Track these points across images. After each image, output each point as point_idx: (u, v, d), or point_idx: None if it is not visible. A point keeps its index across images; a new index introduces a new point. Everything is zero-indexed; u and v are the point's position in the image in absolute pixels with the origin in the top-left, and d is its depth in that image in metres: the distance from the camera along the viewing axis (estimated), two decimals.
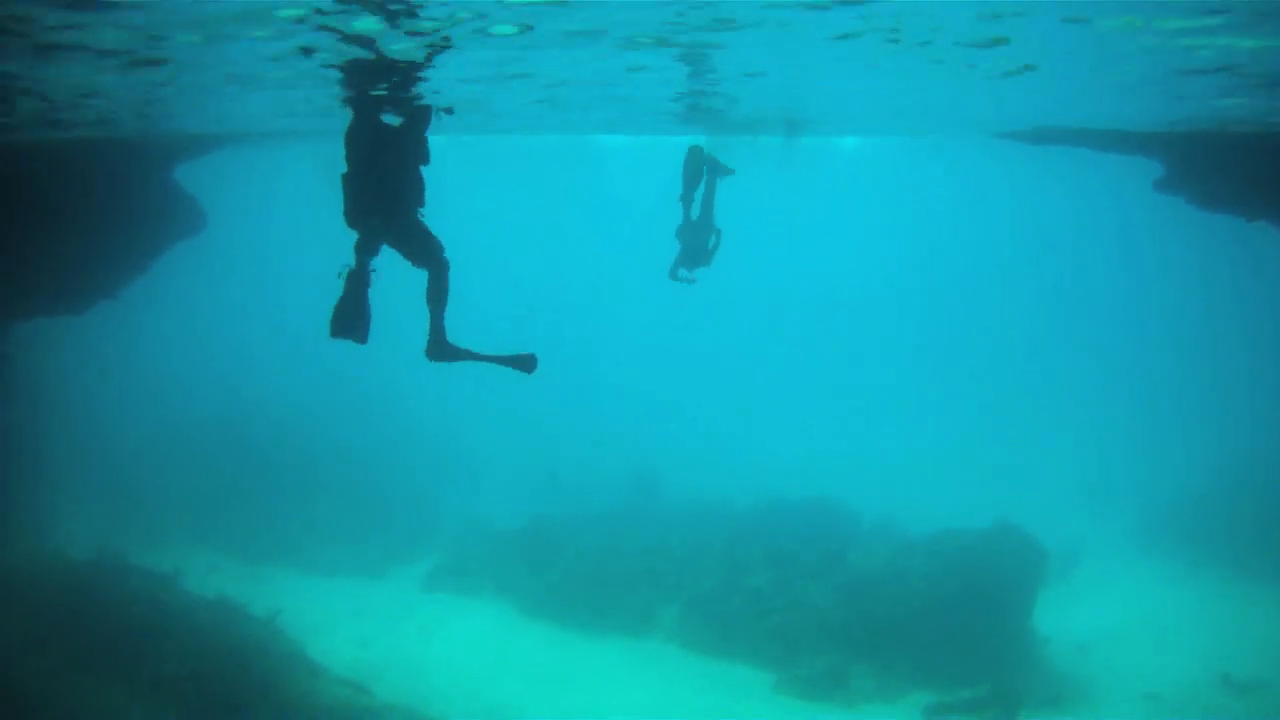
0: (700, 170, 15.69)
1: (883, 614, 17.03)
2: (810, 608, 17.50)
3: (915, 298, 54.19)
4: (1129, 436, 31.18)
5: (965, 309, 52.07)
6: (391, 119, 9.87)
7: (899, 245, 57.34)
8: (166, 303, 31.01)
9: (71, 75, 10.09)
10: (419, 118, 9.52)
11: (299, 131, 16.92)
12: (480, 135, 22.61)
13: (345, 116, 9.83)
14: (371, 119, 9.83)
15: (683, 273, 15.77)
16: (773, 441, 30.44)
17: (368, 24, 8.07)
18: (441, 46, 9.09)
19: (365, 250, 8.98)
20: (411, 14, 7.79)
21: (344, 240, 9.08)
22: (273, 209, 45.50)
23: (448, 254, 9.19)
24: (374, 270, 8.98)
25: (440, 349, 9.20)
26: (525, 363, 9.42)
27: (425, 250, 9.11)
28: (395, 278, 9.20)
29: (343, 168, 9.02)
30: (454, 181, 10.29)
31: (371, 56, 9.32)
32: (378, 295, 9.04)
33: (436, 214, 9.22)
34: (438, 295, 9.15)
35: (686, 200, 15.98)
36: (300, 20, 7.95)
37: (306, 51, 9.24)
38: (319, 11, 7.65)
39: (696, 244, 16.17)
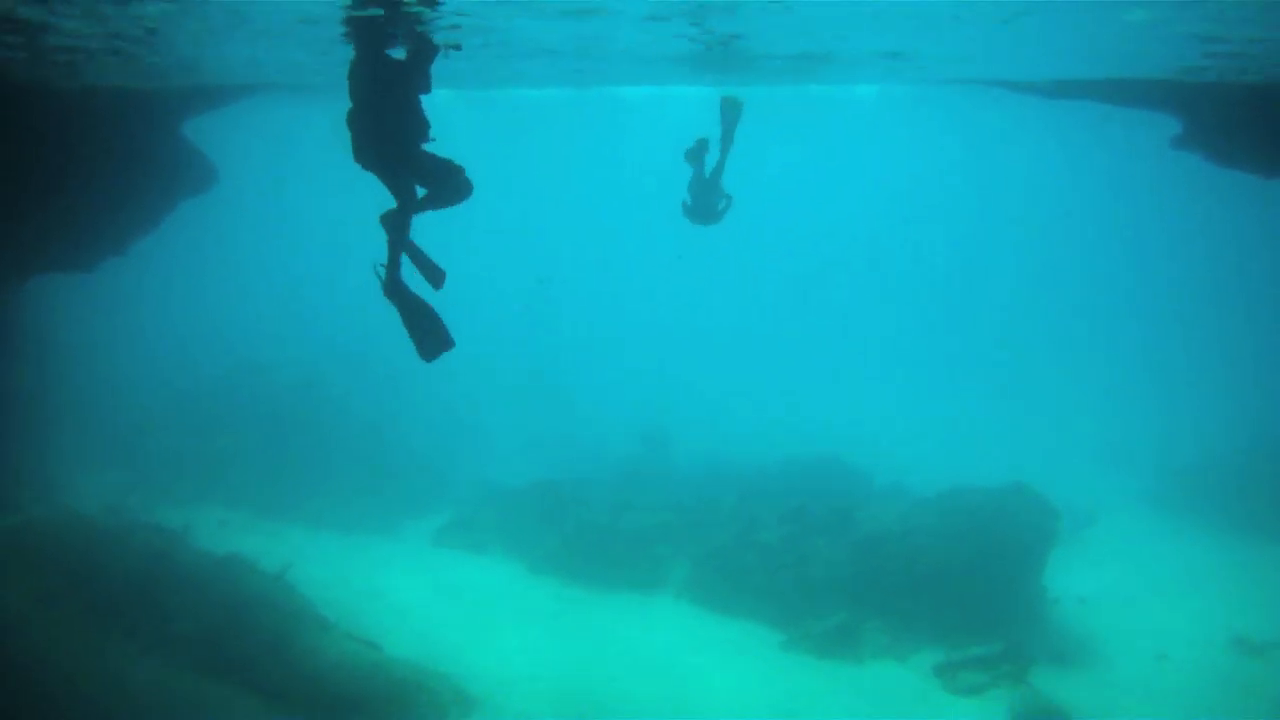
0: (735, 120, 15.53)
1: (894, 571, 16.93)
2: (821, 564, 17.41)
3: (931, 260, 53.85)
4: (1144, 397, 31.06)
5: (981, 272, 51.81)
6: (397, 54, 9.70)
7: (913, 206, 56.89)
8: (179, 260, 31.10)
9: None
10: (424, 53, 9.36)
11: (309, 85, 16.75)
12: (487, 89, 22.47)
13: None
14: (375, 53, 9.65)
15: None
16: (785, 404, 30.29)
17: None
18: None
19: (396, 193, 8.86)
20: None
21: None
22: (285, 167, 45.42)
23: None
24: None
25: (396, 284, 9.08)
26: (434, 346, 9.24)
27: (446, 173, 8.95)
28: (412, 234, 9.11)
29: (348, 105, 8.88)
30: (468, 145, 10.08)
31: None
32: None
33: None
34: (434, 202, 8.99)
35: (699, 156, 15.85)
36: None
37: None
38: None
39: (707, 202, 16.07)
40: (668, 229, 16.62)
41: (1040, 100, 20.39)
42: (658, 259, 43.77)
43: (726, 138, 16.07)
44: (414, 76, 8.99)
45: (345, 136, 8.91)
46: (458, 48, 10.56)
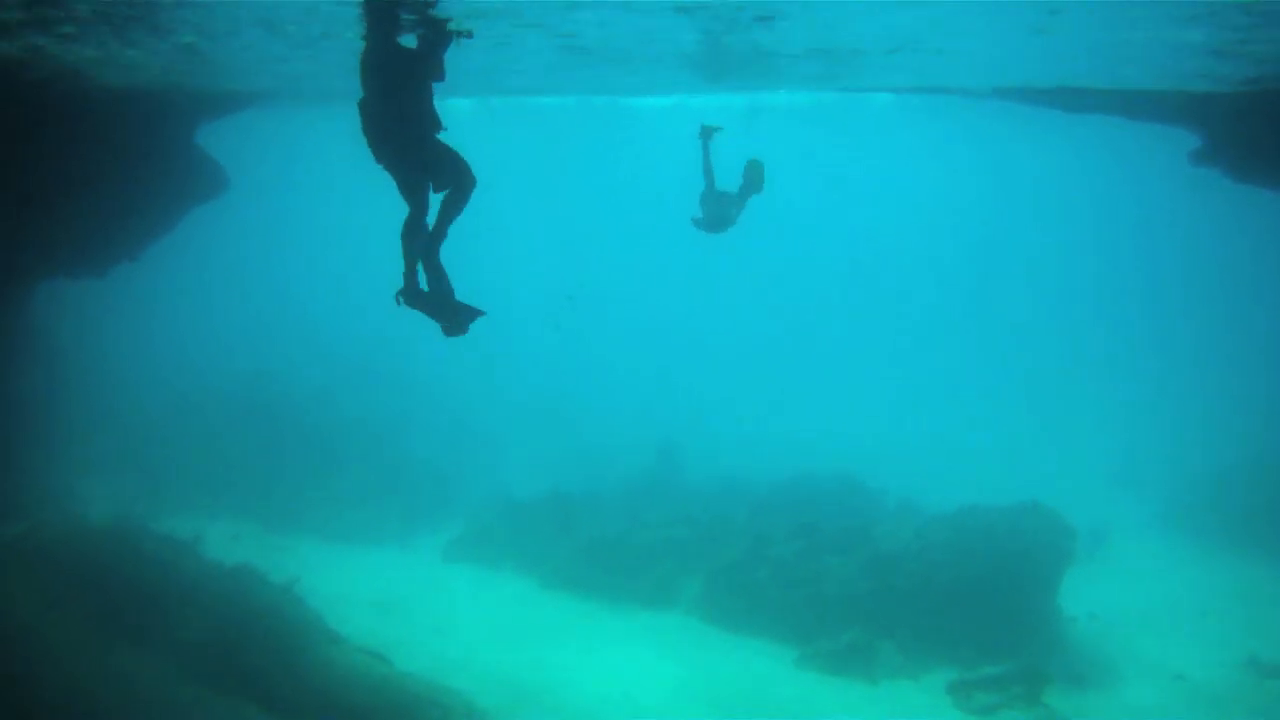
0: (760, 181, 15.34)
1: (908, 589, 16.81)
2: (835, 581, 17.29)
3: (943, 278, 53.75)
4: (1157, 418, 30.88)
5: (993, 291, 51.71)
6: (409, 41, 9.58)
7: (926, 222, 56.82)
8: (190, 268, 31.09)
9: None
10: (437, 41, 9.25)
11: (324, 91, 16.65)
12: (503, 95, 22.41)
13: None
14: (388, 41, 9.52)
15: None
16: (798, 418, 30.21)
17: None
18: None
19: (406, 192, 8.76)
20: None
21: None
22: (294, 178, 45.42)
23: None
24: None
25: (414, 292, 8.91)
26: (464, 319, 9.02)
27: (456, 169, 8.80)
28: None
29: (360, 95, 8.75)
30: (487, 158, 9.92)
31: None
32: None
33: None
34: (454, 207, 8.79)
35: (710, 136, 15.66)
36: None
37: None
38: None
39: (721, 213, 15.94)
40: (681, 243, 16.45)
41: (1057, 113, 20.26)
42: (670, 273, 43.71)
43: (707, 166, 15.88)
44: (428, 64, 8.85)
45: (358, 145, 8.79)
46: (469, 35, 10.42)
